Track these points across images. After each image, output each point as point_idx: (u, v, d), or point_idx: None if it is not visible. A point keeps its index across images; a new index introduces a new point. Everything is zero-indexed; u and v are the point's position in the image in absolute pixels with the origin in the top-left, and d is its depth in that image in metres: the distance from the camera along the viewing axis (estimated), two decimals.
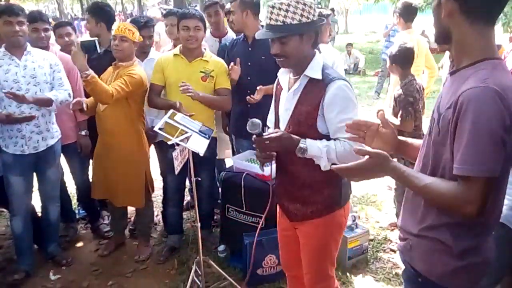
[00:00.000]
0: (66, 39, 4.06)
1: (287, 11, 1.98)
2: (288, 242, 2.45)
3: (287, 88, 2.21)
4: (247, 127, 2.06)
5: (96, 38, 3.18)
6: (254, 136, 2.08)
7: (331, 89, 2.03)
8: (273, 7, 2.00)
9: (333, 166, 1.63)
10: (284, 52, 2.05)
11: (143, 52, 3.81)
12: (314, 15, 2.06)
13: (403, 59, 3.58)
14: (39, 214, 3.78)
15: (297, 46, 2.05)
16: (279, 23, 2.00)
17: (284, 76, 2.27)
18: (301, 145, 2.03)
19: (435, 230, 1.54)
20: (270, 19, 2.02)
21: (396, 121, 3.49)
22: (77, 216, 4.42)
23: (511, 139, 1.37)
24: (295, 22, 1.99)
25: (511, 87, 1.39)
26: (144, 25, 3.71)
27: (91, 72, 3.08)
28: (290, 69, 2.22)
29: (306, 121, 2.08)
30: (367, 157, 1.54)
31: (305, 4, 2.01)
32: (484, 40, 1.46)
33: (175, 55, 3.45)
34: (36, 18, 3.69)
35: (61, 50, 4.00)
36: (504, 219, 1.93)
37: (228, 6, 4.26)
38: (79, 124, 3.88)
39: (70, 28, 4.18)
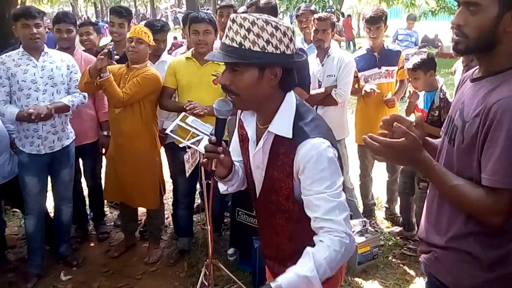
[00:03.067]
0: (85, 37, 4.16)
1: (249, 30, 1.45)
2: None
3: (255, 141, 1.67)
4: (215, 106, 1.58)
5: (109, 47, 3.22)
6: (216, 121, 1.61)
7: (302, 152, 1.49)
8: (233, 21, 1.49)
9: (364, 136, 1.46)
10: (235, 87, 1.51)
11: (155, 55, 3.84)
12: (287, 47, 1.48)
13: None
14: (51, 215, 3.82)
15: (253, 83, 1.49)
16: (234, 44, 1.46)
17: (249, 120, 1.70)
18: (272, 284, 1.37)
19: (462, 240, 1.51)
20: (227, 36, 1.50)
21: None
22: (89, 218, 4.45)
23: None
24: (256, 48, 1.44)
25: None
26: (160, 29, 3.76)
27: (109, 74, 3.18)
28: (254, 114, 1.68)
29: (282, 191, 1.60)
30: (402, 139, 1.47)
31: (276, 28, 1.45)
32: None
33: (187, 58, 3.47)
34: (59, 19, 3.75)
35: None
36: None
37: (240, 9, 4.28)
38: (102, 124, 3.93)
39: (91, 28, 4.27)
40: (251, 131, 1.69)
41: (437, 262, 1.61)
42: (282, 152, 1.56)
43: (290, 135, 1.52)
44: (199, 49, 3.36)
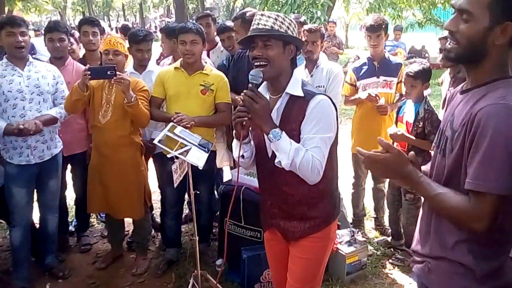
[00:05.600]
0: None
1: (276, 19, 2.04)
2: (281, 260, 2.39)
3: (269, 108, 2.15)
4: (251, 73, 2.04)
5: (114, 65, 3.23)
6: (250, 85, 2.02)
7: (312, 104, 2.03)
8: (262, 14, 2.07)
9: (357, 148, 1.65)
10: (267, 56, 2.03)
11: (141, 65, 3.83)
12: (297, 34, 2.12)
13: None
14: (37, 225, 3.76)
15: (280, 54, 2.05)
16: (267, 27, 2.02)
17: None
18: (276, 130, 1.99)
19: (455, 252, 1.51)
20: (258, 23, 2.04)
21: (414, 139, 3.44)
22: (74, 228, 4.39)
23: None
24: (282, 30, 2.04)
25: None
26: (143, 38, 3.72)
27: (136, 98, 3.24)
28: (268, 88, 2.20)
29: (292, 139, 2.03)
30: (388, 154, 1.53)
31: (291, 21, 2.09)
32: (506, 61, 1.47)
33: (175, 68, 3.47)
34: (51, 28, 3.71)
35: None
36: None
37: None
38: (91, 135, 3.85)
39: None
40: None
41: (430, 273, 1.62)
42: (295, 108, 2.07)
43: (302, 94, 2.07)
44: (186, 59, 3.36)
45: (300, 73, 3.87)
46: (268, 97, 2.16)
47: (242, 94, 2.02)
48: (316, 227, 2.20)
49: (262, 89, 2.21)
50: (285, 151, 1.98)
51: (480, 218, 1.37)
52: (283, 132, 2.00)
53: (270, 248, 2.46)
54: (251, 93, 1.99)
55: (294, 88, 2.10)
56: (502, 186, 1.34)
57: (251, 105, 1.98)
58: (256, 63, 2.06)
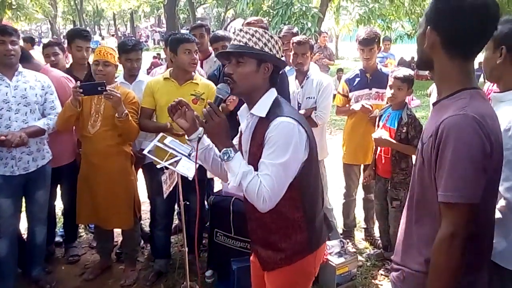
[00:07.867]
0: (52, 58, 4.08)
1: (252, 35, 1.95)
2: (260, 283, 2.29)
3: (244, 128, 2.11)
4: (218, 86, 2.00)
5: (104, 81, 3.21)
6: (215, 98, 1.98)
7: (271, 126, 1.89)
8: (240, 30, 2.00)
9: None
10: (236, 75, 1.95)
11: (131, 75, 3.82)
12: (277, 52, 2.00)
13: None
14: (24, 237, 3.71)
15: (251, 73, 1.95)
16: (241, 43, 1.95)
17: (243, 116, 2.15)
18: (228, 150, 1.90)
19: (428, 263, 1.51)
20: (234, 39, 1.98)
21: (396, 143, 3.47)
22: (61, 239, 4.34)
23: (491, 165, 1.39)
24: (256, 47, 1.94)
25: (489, 114, 1.43)
26: (132, 48, 3.72)
27: (126, 112, 3.23)
28: (246, 107, 2.10)
29: (255, 162, 1.94)
30: None
31: (271, 37, 1.98)
32: (463, 73, 1.51)
33: (165, 78, 3.47)
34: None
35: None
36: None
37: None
38: (78, 144, 3.82)
39: (57, 48, 4.19)
40: (244, 124, 2.11)
41: (405, 281, 1.63)
42: (260, 129, 1.95)
43: (264, 115, 1.95)
44: (190, 67, 3.40)
45: (291, 84, 3.89)
46: (248, 115, 2.10)
47: (204, 109, 1.96)
48: (288, 260, 2.06)
49: (241, 112, 2.16)
50: (234, 173, 1.89)
51: (456, 233, 1.38)
52: (238, 153, 1.92)
53: (252, 268, 2.38)
54: (209, 109, 1.91)
55: (259, 108, 1.98)
56: (471, 195, 1.36)
57: (207, 120, 1.91)
58: (227, 81, 1.99)
